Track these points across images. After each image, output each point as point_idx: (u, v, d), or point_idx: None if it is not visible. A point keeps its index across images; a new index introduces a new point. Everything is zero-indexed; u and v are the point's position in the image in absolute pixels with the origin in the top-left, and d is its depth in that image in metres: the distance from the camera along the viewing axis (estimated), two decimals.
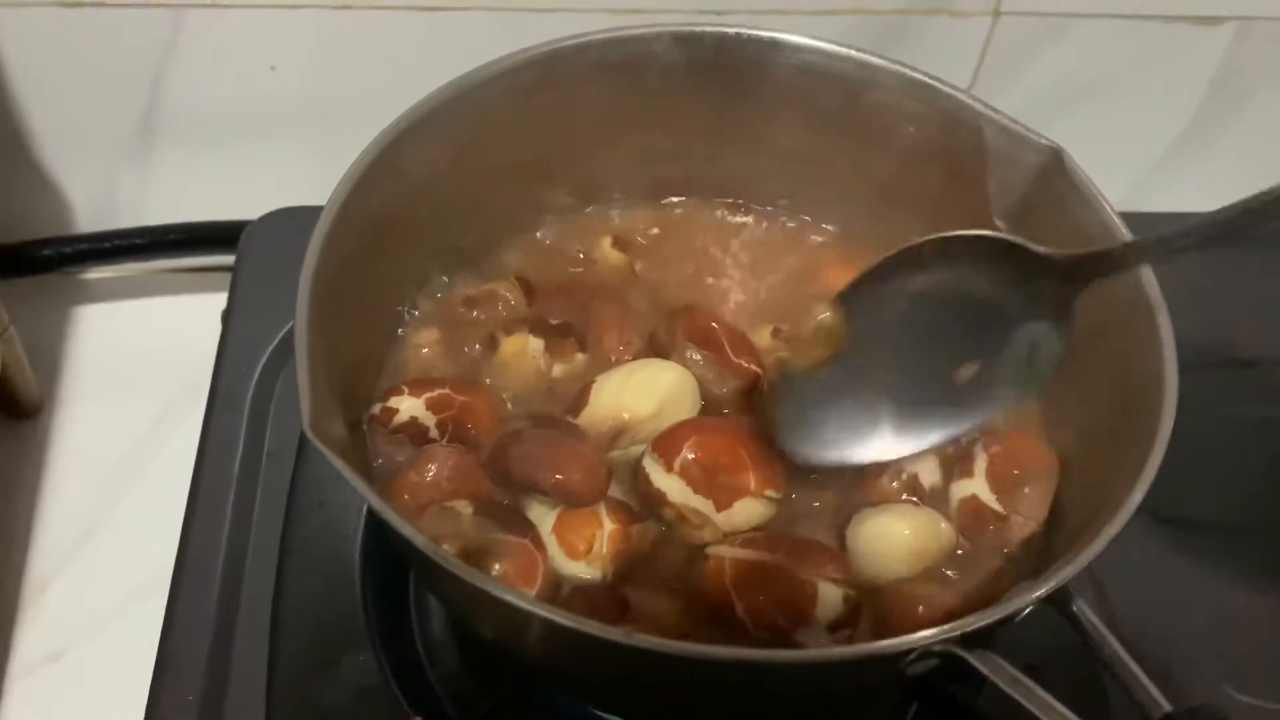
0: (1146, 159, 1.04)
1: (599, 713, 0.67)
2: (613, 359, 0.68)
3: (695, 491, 0.60)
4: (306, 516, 0.73)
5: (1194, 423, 0.57)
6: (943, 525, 0.62)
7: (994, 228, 0.66)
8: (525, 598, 0.48)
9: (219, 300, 0.87)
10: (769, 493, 0.61)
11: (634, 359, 0.68)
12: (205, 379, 0.82)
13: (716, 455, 0.61)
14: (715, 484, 0.60)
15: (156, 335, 0.95)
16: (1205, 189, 1.02)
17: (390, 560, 0.71)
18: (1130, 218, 0.63)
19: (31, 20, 0.84)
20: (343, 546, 0.71)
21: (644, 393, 0.63)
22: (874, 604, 0.60)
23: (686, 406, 0.64)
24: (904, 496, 0.64)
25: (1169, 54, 0.96)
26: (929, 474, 0.65)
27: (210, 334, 0.86)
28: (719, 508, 0.60)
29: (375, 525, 0.71)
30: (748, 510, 0.61)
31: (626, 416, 0.62)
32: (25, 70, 0.88)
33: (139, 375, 0.92)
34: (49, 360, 0.93)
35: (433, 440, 0.62)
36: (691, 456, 0.60)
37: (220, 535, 0.72)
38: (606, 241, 0.75)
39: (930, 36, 0.92)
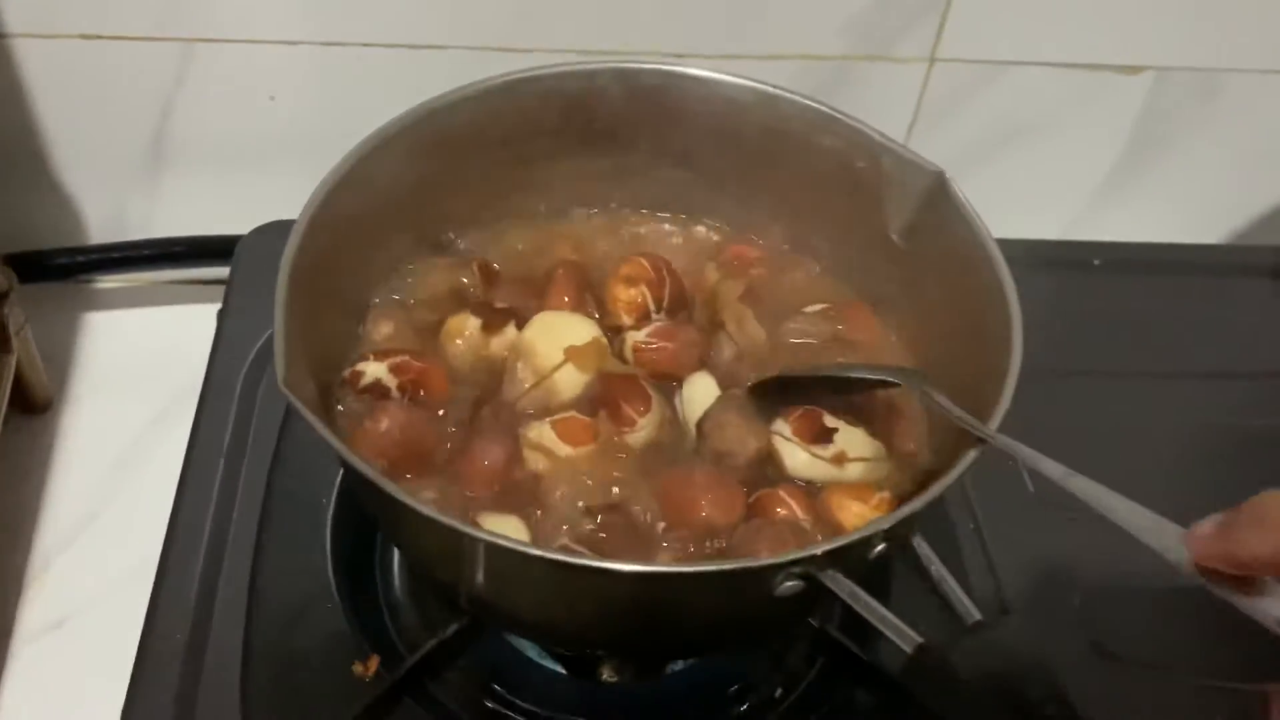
0: (1084, 192, 1.08)
1: (530, 655, 0.73)
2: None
3: None
4: (285, 490, 0.78)
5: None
6: None
7: (892, 243, 0.71)
8: (455, 518, 0.54)
9: (217, 310, 0.91)
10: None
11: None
12: (202, 382, 0.86)
13: None
14: None
15: (159, 341, 0.99)
16: (1140, 219, 1.07)
17: (356, 529, 0.77)
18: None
19: (53, 50, 0.89)
20: (317, 518, 0.77)
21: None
22: None
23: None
24: None
25: (1095, 99, 1.00)
26: None
27: (208, 342, 0.89)
28: None
29: (344, 496, 0.77)
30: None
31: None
32: (47, 95, 0.92)
33: (142, 377, 0.95)
34: (60, 361, 0.97)
35: (393, 399, 0.68)
36: None
37: (208, 504, 0.77)
38: (566, 246, 0.79)
39: (873, 80, 0.96)
